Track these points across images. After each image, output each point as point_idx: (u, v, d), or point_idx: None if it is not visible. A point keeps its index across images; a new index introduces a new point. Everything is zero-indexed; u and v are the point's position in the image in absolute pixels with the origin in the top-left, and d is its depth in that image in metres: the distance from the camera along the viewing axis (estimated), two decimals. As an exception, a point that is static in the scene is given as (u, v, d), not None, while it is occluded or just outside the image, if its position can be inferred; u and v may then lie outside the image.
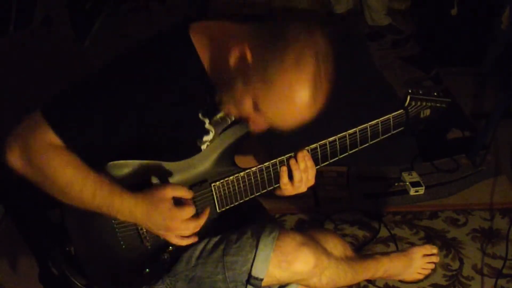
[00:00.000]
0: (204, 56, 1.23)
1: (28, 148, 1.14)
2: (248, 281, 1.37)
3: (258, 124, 1.23)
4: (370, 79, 3.53)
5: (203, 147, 1.34)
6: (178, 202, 1.25)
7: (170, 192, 1.24)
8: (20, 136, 1.15)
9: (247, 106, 1.18)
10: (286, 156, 1.38)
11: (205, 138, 1.34)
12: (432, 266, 1.75)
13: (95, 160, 1.21)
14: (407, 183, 2.61)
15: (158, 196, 1.23)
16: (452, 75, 3.49)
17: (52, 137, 1.15)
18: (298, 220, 2.41)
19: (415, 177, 2.65)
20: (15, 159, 1.14)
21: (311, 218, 2.43)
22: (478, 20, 3.47)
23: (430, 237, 2.35)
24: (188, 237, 1.30)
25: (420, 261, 1.71)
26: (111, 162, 1.25)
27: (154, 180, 1.26)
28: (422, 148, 2.91)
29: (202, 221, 1.29)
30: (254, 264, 1.36)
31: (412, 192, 2.58)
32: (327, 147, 1.41)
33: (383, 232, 2.36)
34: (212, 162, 1.36)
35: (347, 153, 1.45)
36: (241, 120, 1.35)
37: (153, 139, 1.26)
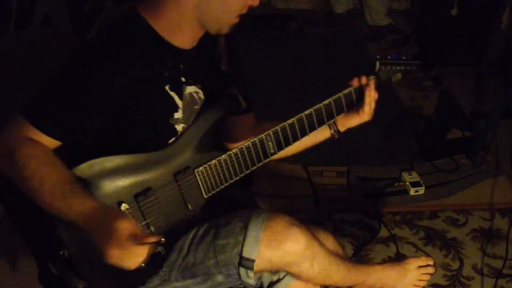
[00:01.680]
0: (161, 22, 1.28)
1: (6, 143, 1.19)
2: (240, 263, 1.37)
3: None
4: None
5: (178, 127, 1.35)
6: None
7: (130, 227, 1.14)
8: (2, 133, 1.21)
9: None
10: (272, 130, 1.39)
11: (176, 115, 1.35)
12: (428, 277, 1.73)
13: (78, 156, 1.24)
14: (407, 183, 2.61)
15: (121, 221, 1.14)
16: (452, 75, 3.49)
17: (27, 129, 1.20)
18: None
19: (415, 177, 2.65)
20: None
21: (311, 218, 2.43)
22: (478, 20, 3.46)
23: (430, 237, 2.35)
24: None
25: (415, 272, 1.69)
26: (94, 160, 1.25)
27: (124, 207, 1.27)
28: (422, 148, 2.91)
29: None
30: (245, 245, 1.36)
31: (412, 192, 2.58)
32: (304, 120, 1.43)
33: (383, 232, 2.36)
34: (192, 148, 1.37)
35: (324, 124, 1.48)
36: (211, 102, 1.39)
37: (127, 124, 1.28)
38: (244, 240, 1.37)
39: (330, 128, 1.56)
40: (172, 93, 1.33)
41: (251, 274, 1.37)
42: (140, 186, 1.30)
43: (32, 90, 1.23)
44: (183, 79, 1.35)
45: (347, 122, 1.55)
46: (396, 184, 2.65)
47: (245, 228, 1.38)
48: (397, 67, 1.59)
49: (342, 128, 1.56)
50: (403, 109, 3.24)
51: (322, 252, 1.44)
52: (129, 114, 1.28)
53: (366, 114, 1.51)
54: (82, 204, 1.15)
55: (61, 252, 1.29)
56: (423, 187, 2.59)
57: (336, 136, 1.56)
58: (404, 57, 1.61)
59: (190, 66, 1.36)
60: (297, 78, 3.39)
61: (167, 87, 1.32)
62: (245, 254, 1.36)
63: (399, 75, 1.61)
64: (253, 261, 1.36)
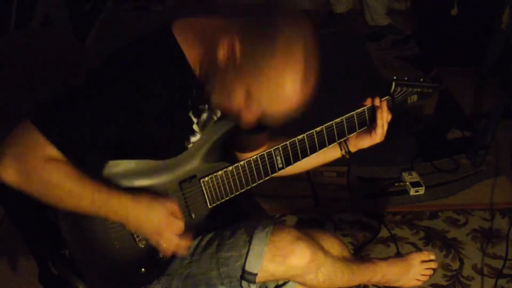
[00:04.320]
0: (190, 52, 1.24)
1: (25, 164, 1.14)
2: (242, 277, 1.36)
3: (249, 115, 1.23)
4: (370, 79, 3.53)
5: (190, 147, 1.34)
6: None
7: (171, 205, 1.27)
8: (15, 151, 1.14)
9: (239, 96, 1.19)
10: (282, 144, 1.38)
11: (192, 139, 1.34)
12: (431, 272, 1.73)
13: (91, 162, 1.22)
14: (407, 183, 2.61)
15: (159, 200, 1.26)
16: (452, 75, 3.49)
17: (48, 150, 1.15)
18: (298, 220, 2.41)
19: (415, 177, 2.65)
20: (10, 176, 1.13)
21: (311, 218, 2.43)
22: (478, 20, 3.47)
23: (430, 237, 2.35)
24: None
25: (418, 267, 1.70)
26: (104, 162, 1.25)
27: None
28: (422, 148, 2.91)
29: (185, 242, 1.31)
30: (248, 259, 1.36)
31: (412, 192, 2.58)
32: (314, 137, 1.41)
33: (383, 232, 2.36)
34: (200, 158, 1.35)
35: (335, 142, 1.46)
36: (227, 117, 1.36)
37: (144, 139, 1.26)
38: (247, 254, 1.36)
39: (341, 149, 1.53)
40: (194, 119, 1.32)
41: (253, 286, 1.38)
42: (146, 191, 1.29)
43: (35, 91, 1.20)
44: (204, 107, 1.33)
45: (359, 143, 1.51)
46: (396, 184, 2.65)
47: (248, 242, 1.37)
48: (414, 89, 1.53)
49: (353, 149, 1.53)
50: (403, 109, 3.24)
51: (327, 262, 1.44)
52: (149, 134, 1.25)
53: (378, 135, 1.47)
54: (126, 203, 1.22)
55: (62, 252, 1.29)
56: (423, 187, 2.59)
57: (347, 156, 1.53)
58: (422, 79, 1.54)
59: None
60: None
61: (190, 113, 1.30)
62: (248, 268, 1.36)
63: (415, 97, 1.54)
64: (255, 275, 1.36)
